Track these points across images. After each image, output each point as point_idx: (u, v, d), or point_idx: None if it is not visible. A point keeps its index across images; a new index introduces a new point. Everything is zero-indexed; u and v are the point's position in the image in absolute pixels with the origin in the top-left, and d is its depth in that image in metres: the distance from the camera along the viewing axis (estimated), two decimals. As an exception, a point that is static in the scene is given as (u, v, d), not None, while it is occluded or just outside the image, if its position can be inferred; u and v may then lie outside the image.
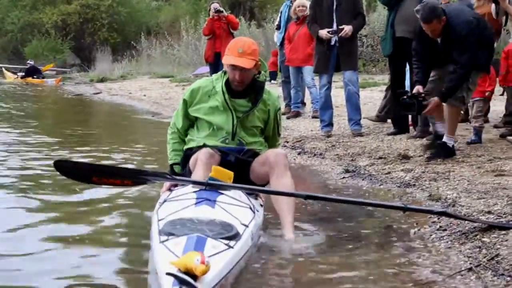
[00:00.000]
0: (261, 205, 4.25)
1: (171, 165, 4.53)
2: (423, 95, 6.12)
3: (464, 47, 5.89)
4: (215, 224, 3.29)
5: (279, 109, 4.55)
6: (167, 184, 4.24)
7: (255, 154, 4.38)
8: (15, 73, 29.67)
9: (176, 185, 4.14)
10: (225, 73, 4.38)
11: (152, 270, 3.22)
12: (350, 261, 3.67)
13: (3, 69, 31.00)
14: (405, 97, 6.14)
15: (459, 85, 6.00)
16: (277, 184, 4.14)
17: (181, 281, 2.56)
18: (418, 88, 6.13)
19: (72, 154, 7.51)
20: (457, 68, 5.95)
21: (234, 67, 4.25)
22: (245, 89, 4.36)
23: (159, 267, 2.88)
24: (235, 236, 3.24)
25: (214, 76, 4.49)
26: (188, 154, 4.42)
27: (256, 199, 4.23)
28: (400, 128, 8.00)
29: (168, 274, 2.60)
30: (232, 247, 3.11)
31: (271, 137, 4.59)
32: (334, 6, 8.06)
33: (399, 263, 3.61)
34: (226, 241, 3.12)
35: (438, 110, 6.33)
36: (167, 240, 3.09)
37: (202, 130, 4.40)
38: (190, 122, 4.52)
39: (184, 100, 4.47)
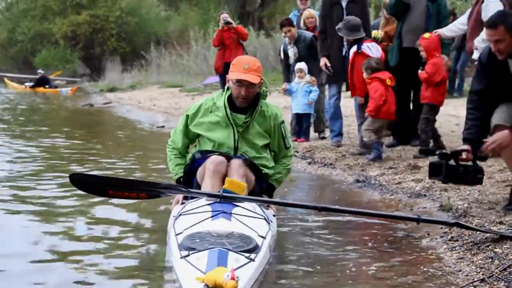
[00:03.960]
0: (274, 215, 4.28)
1: (177, 180, 4.51)
2: (464, 157, 4.44)
3: None
4: (234, 237, 3.31)
5: (282, 122, 4.50)
6: (179, 197, 4.27)
7: (255, 167, 4.35)
8: (22, 83, 29.67)
9: (187, 198, 4.15)
10: (227, 89, 4.39)
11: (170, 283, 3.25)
12: (363, 271, 3.69)
13: (5, 79, 30.95)
14: (437, 152, 4.67)
15: None
16: None
17: None
18: (462, 147, 4.49)
19: (85, 167, 7.54)
20: None
21: (240, 83, 4.25)
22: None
23: (184, 283, 2.89)
24: (255, 249, 3.25)
25: (215, 94, 4.51)
26: (190, 168, 4.42)
27: (267, 208, 4.26)
28: (399, 140, 8.00)
29: None
30: (253, 260, 3.11)
31: (278, 151, 4.56)
32: (344, 17, 8.09)
33: (412, 273, 3.62)
34: (247, 254, 3.13)
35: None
36: (188, 255, 3.10)
37: (205, 147, 4.41)
38: (189, 141, 4.55)
39: (187, 116, 4.48)
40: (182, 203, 4.15)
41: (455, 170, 4.45)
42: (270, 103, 4.53)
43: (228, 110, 4.30)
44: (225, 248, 3.09)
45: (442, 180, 4.58)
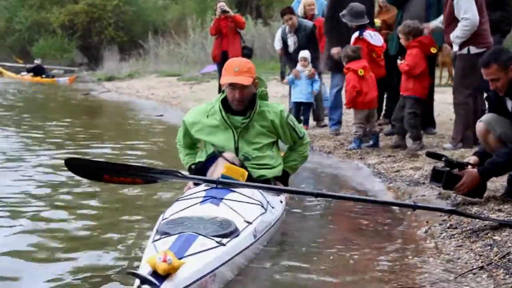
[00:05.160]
0: (281, 202, 4.28)
1: (189, 168, 4.55)
2: (469, 167, 4.56)
3: None
4: (213, 222, 3.30)
5: (288, 115, 4.47)
6: (190, 183, 4.29)
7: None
8: (18, 72, 29.49)
9: (198, 184, 4.15)
10: (223, 92, 4.39)
11: None
12: (362, 260, 3.69)
13: (1, 68, 30.71)
14: (443, 159, 4.64)
15: (511, 164, 4.43)
16: None
17: (142, 280, 2.56)
18: (470, 159, 4.71)
19: (82, 152, 7.54)
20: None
21: (233, 86, 4.24)
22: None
23: (141, 265, 2.90)
24: (232, 233, 3.24)
25: (214, 98, 4.50)
26: (199, 167, 4.43)
27: (278, 195, 4.26)
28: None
29: (129, 273, 2.63)
30: (224, 245, 3.10)
31: (293, 143, 4.57)
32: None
33: (411, 262, 3.62)
34: (219, 239, 3.11)
35: None
36: (159, 239, 3.11)
37: (209, 151, 4.42)
38: (193, 141, 4.58)
39: (184, 122, 4.52)
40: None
41: (457, 180, 4.50)
42: (271, 102, 4.49)
43: (223, 113, 4.29)
44: (196, 233, 3.07)
45: (442, 187, 4.63)
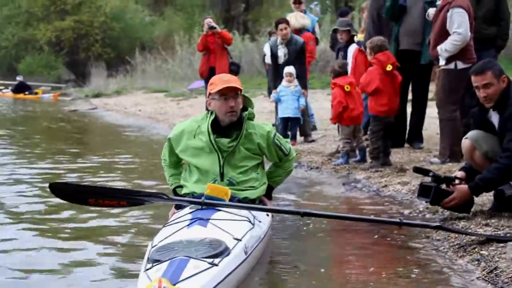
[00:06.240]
0: (267, 215, 4.26)
1: (174, 190, 4.47)
2: (456, 183, 4.60)
3: None
4: (203, 244, 3.28)
5: (275, 134, 4.37)
6: (173, 209, 4.25)
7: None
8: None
9: (180, 208, 4.12)
10: (211, 113, 4.27)
11: None
12: (346, 274, 3.68)
13: None
14: (430, 174, 4.61)
15: (501, 180, 4.47)
16: None
17: None
18: (457, 174, 4.75)
19: (68, 174, 7.48)
20: (502, 157, 4.39)
21: (226, 96, 4.14)
22: (229, 127, 4.23)
23: None
24: (222, 253, 3.22)
25: (200, 115, 4.40)
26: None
27: None
28: (394, 142, 7.97)
29: None
30: (216, 265, 3.09)
31: (278, 160, 4.49)
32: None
33: (397, 277, 3.61)
34: (211, 259, 3.10)
35: None
36: (151, 268, 3.08)
37: (193, 175, 4.32)
38: (178, 159, 4.48)
39: (169, 139, 4.43)
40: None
41: (445, 195, 4.54)
42: (259, 123, 4.41)
43: (211, 136, 4.19)
44: (188, 256, 3.05)
45: (430, 202, 4.67)
